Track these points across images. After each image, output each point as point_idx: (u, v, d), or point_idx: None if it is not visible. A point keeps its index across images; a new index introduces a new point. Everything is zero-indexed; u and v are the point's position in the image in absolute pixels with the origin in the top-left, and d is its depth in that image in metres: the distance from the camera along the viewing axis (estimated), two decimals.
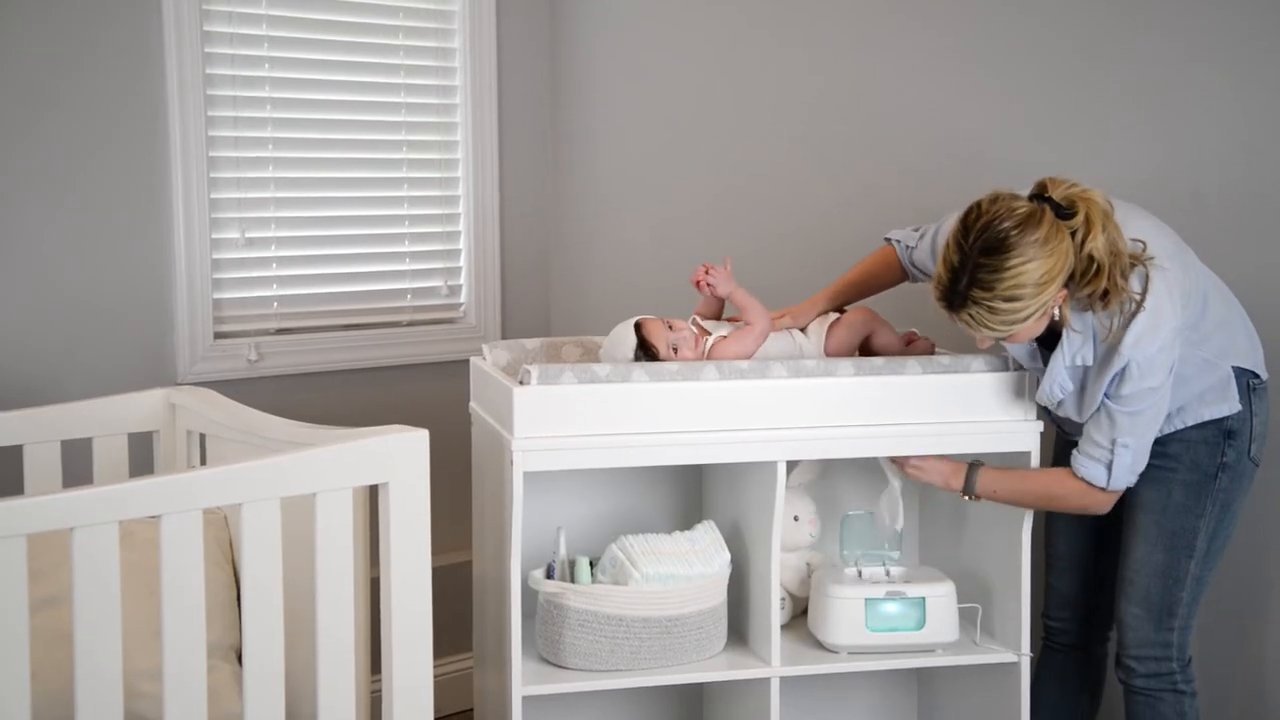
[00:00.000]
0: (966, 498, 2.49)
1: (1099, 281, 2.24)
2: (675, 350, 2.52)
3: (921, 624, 2.52)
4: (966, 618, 2.60)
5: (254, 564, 2.06)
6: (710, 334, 2.57)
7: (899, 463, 2.54)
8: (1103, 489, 2.36)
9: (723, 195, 3.45)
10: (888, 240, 2.66)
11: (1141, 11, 2.71)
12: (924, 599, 2.52)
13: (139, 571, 2.23)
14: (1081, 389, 2.37)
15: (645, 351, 2.52)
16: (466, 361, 2.82)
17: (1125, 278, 2.25)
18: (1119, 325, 2.27)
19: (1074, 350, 2.34)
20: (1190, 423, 2.38)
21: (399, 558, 2.18)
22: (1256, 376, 2.40)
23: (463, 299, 3.63)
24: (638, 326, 2.54)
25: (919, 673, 2.86)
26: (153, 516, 1.98)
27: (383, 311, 3.52)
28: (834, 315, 2.65)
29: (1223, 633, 2.68)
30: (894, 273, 2.66)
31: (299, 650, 2.23)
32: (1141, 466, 2.35)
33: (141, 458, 2.73)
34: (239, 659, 2.31)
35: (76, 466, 2.63)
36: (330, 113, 3.37)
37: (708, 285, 2.58)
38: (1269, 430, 2.44)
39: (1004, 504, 2.50)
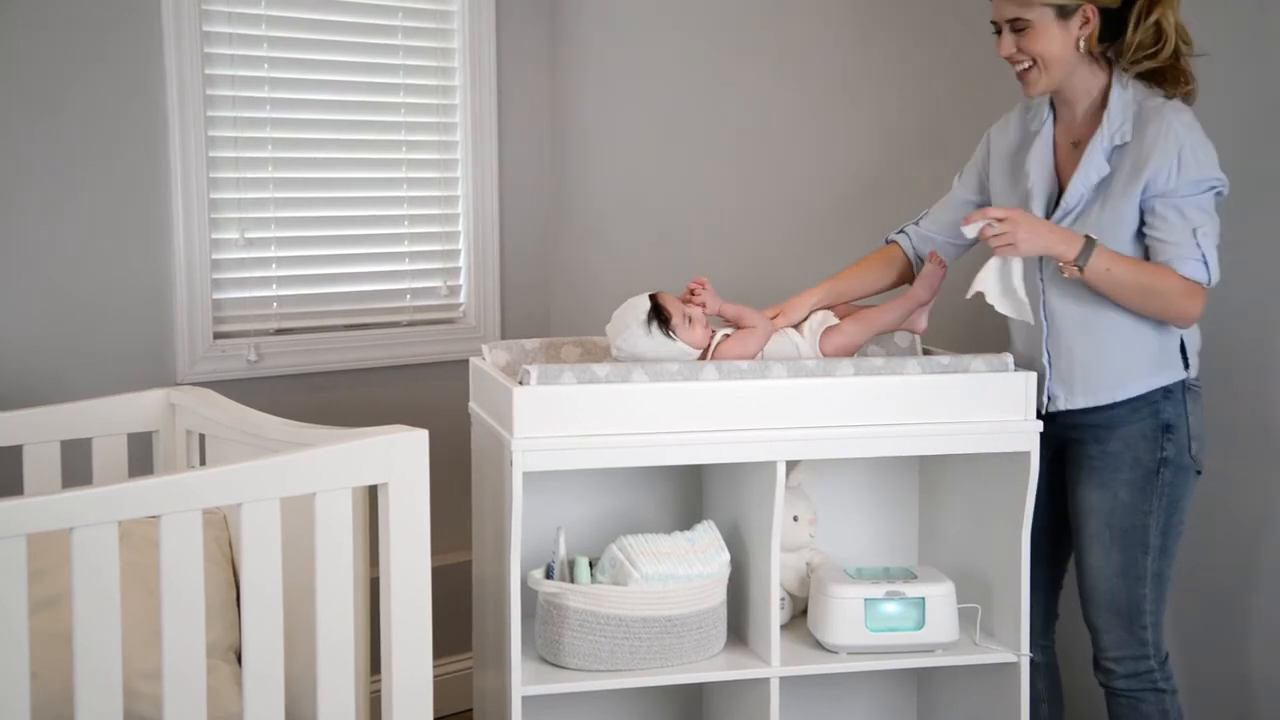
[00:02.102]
0: (1074, 269, 2.32)
1: (1162, 54, 2.34)
2: (689, 321, 2.52)
3: (921, 624, 2.52)
4: (966, 618, 2.60)
5: (253, 564, 2.06)
6: (715, 331, 2.58)
7: (983, 235, 2.34)
8: (1204, 286, 2.30)
9: (722, 195, 3.45)
10: (889, 241, 2.67)
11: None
12: (923, 599, 2.52)
13: (139, 571, 2.23)
14: (1102, 204, 2.38)
15: (659, 315, 2.52)
16: (466, 362, 2.82)
17: (1188, 73, 2.36)
18: (1165, 101, 2.34)
19: (1114, 128, 2.36)
20: (1134, 393, 2.39)
21: (399, 558, 2.18)
22: (1190, 377, 2.43)
23: (462, 299, 3.63)
24: (653, 296, 2.55)
25: (918, 673, 2.86)
26: (152, 516, 1.97)
27: (382, 312, 3.52)
28: (831, 320, 2.64)
29: (1206, 629, 2.68)
30: (892, 268, 2.67)
31: (299, 650, 2.23)
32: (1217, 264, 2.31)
33: (141, 458, 2.73)
34: (238, 659, 2.31)
35: (76, 466, 2.63)
36: (330, 113, 3.37)
37: (700, 303, 2.57)
38: (1207, 434, 2.46)
39: (1105, 289, 2.33)
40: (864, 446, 2.48)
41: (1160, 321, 2.36)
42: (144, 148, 3.07)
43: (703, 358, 2.54)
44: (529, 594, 2.54)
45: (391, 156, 3.49)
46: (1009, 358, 2.48)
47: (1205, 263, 2.29)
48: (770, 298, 2.71)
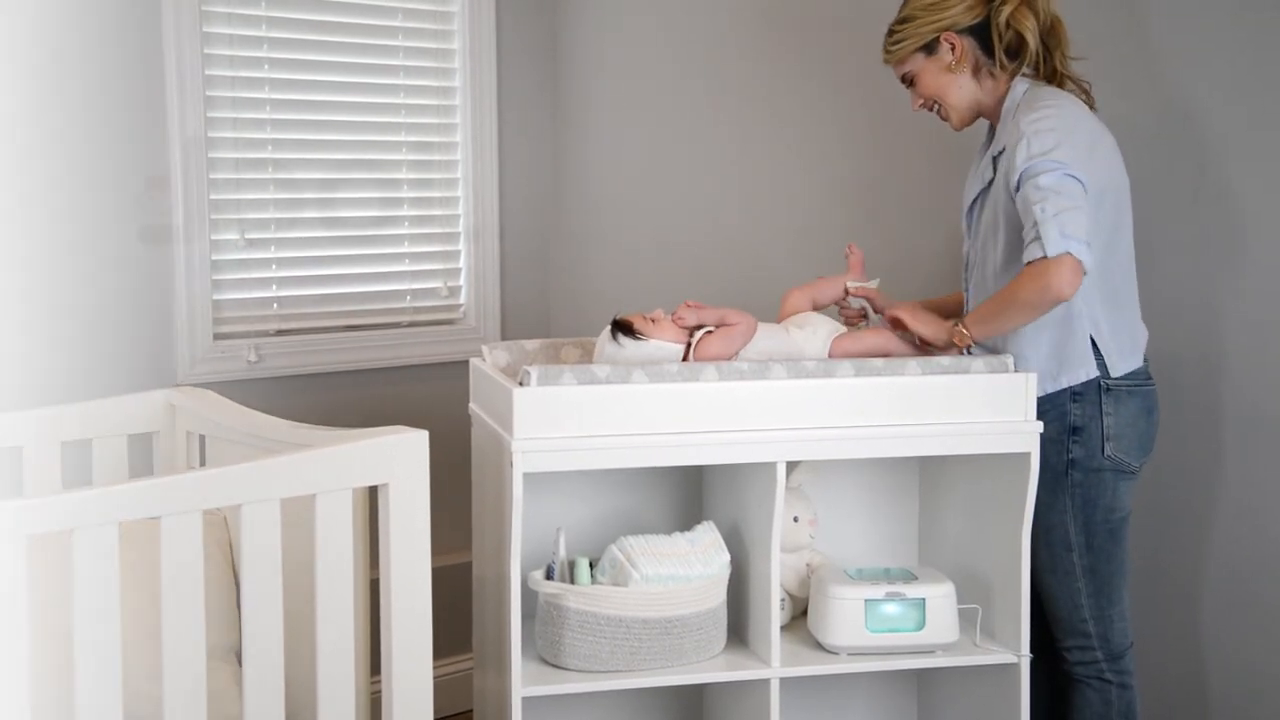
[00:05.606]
0: (967, 348, 2.48)
1: (1028, 56, 2.43)
2: (652, 321, 2.52)
3: (921, 625, 2.52)
4: (966, 619, 2.60)
5: (254, 565, 2.06)
6: (695, 331, 2.56)
7: (890, 320, 2.55)
8: (1044, 257, 2.26)
9: (722, 196, 3.45)
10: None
11: (1142, 10, 2.71)
12: (924, 600, 2.52)
13: (139, 572, 2.23)
14: (985, 210, 2.47)
15: (620, 326, 2.52)
16: (466, 362, 2.82)
17: (1071, 77, 2.45)
18: (1036, 98, 2.39)
19: (1003, 134, 2.43)
20: (1048, 389, 2.45)
21: (399, 559, 2.18)
22: (1110, 377, 2.44)
23: (462, 300, 3.64)
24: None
25: (919, 673, 2.86)
26: (153, 518, 1.98)
27: (382, 313, 3.52)
28: (842, 328, 2.63)
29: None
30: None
31: (299, 651, 2.23)
32: (1078, 233, 2.25)
33: (141, 459, 2.73)
34: (239, 660, 2.31)
35: (77, 468, 2.63)
36: (330, 114, 3.37)
37: (679, 317, 2.56)
38: (1144, 433, 2.47)
39: (1000, 333, 2.44)
40: (864, 447, 2.48)
41: (1061, 316, 2.41)
42: (144, 147, 3.06)
43: (685, 356, 2.53)
44: (529, 595, 2.54)
45: (391, 158, 3.49)
46: (1009, 359, 2.48)
47: (1040, 239, 2.27)
48: (769, 301, 2.71)
